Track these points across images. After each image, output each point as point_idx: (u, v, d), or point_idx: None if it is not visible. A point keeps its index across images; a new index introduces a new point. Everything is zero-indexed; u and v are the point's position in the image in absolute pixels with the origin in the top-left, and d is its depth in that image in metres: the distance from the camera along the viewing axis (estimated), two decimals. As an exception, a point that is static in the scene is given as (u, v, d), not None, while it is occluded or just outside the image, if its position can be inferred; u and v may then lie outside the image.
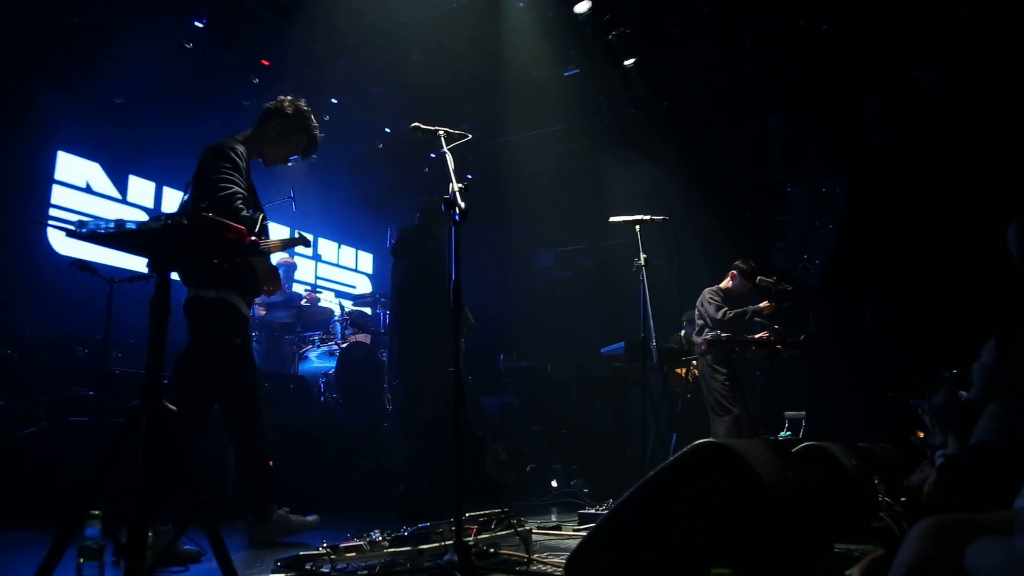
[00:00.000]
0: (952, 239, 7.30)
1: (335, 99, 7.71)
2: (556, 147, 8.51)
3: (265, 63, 7.30)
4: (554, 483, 7.90)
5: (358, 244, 10.40)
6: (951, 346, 6.62)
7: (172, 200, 7.93)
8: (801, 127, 7.98)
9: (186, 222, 1.95)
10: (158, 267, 2.13)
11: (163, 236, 1.97)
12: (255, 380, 4.10)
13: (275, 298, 6.78)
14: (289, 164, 4.37)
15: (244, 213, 3.67)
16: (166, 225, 1.94)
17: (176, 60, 6.87)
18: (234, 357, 3.90)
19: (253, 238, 2.22)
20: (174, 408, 2.06)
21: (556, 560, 3.49)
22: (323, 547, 3.07)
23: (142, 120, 7.15)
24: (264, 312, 7.16)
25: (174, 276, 2.29)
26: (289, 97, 4.21)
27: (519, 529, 3.70)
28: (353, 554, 3.17)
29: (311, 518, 4.23)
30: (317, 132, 4.24)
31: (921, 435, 4.97)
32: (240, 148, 3.95)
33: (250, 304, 4.12)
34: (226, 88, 7.33)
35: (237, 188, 3.77)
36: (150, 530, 2.37)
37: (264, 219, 3.80)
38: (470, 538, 3.42)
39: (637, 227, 5.36)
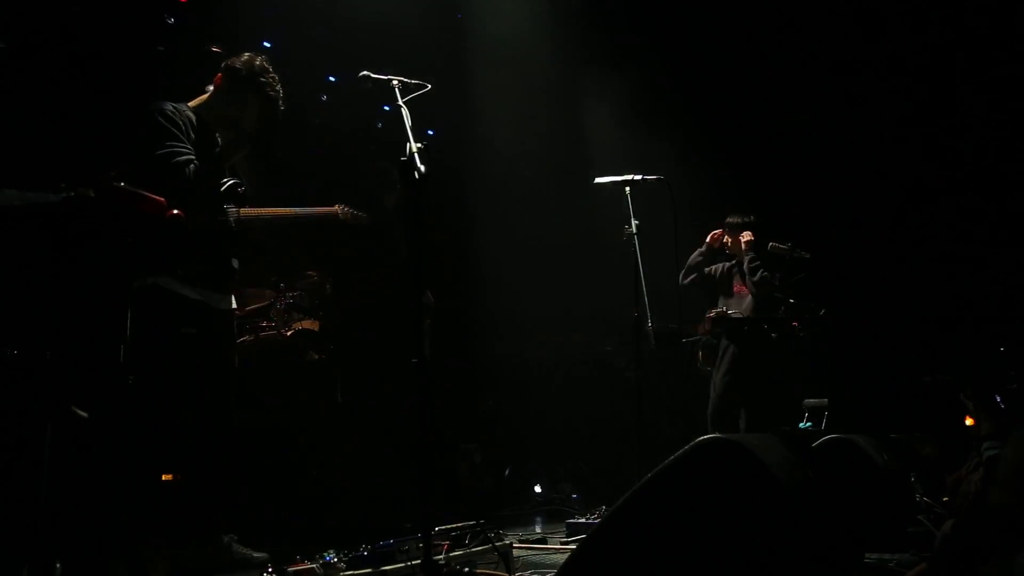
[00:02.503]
0: (1004, 189, 7.36)
1: (268, 43, 7.62)
2: (530, 95, 8.50)
3: (182, 0, 7.19)
4: (537, 488, 7.94)
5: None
6: (999, 320, 6.69)
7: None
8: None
9: (92, 194, 1.92)
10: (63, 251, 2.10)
11: (63, 214, 1.94)
12: (222, 378, 4.14)
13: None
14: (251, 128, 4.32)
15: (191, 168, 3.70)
16: (68, 199, 1.91)
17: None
18: (177, 351, 3.94)
19: (175, 212, 2.20)
20: (84, 415, 2.05)
21: (541, 580, 3.53)
22: (267, 572, 3.08)
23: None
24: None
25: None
26: (247, 54, 4.26)
27: (497, 544, 3.73)
28: (303, 580, 3.18)
29: (258, 555, 4.24)
30: (274, 94, 4.23)
31: (971, 423, 5.04)
32: (172, 107, 3.98)
33: (205, 285, 4.10)
34: (136, 30, 7.20)
35: (177, 147, 3.81)
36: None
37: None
38: (440, 556, 3.44)
39: (627, 188, 5.37)
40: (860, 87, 8.05)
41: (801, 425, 6.21)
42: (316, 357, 6.86)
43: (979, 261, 7.45)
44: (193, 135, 4.03)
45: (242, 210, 4.27)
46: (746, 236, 6.54)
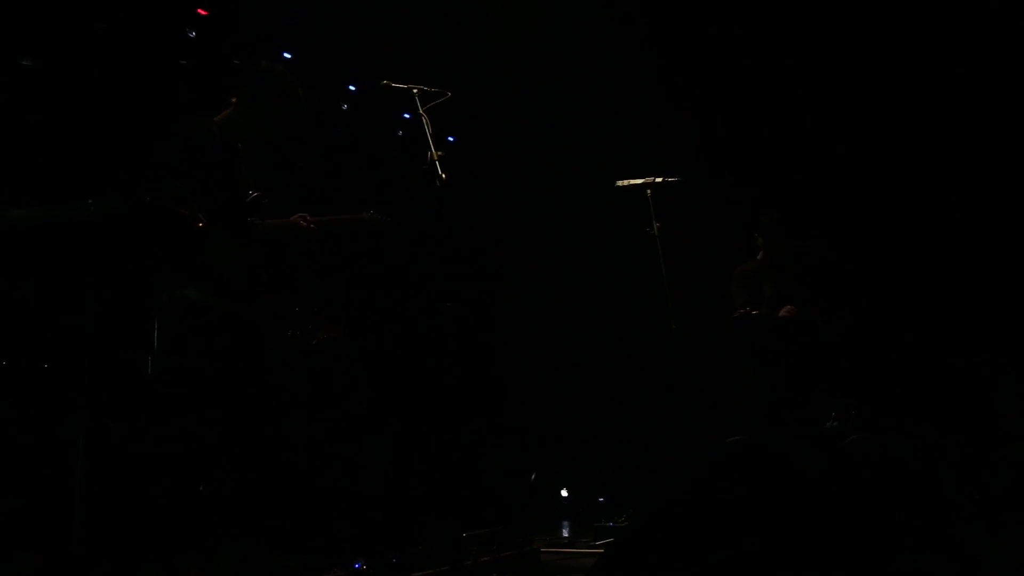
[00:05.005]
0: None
1: (288, 53, 7.67)
2: (548, 97, 8.52)
3: (203, 13, 7.24)
4: (564, 492, 7.94)
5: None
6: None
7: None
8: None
9: (119, 208, 1.94)
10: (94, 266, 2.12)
11: (90, 228, 1.95)
12: (251, 387, 4.14)
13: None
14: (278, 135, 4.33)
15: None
16: (95, 214, 1.93)
17: (98, 13, 6.78)
18: (208, 361, 3.94)
19: (200, 223, 2.22)
20: (115, 426, 2.07)
21: (570, 584, 3.53)
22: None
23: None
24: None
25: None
26: (264, 63, 4.20)
27: (525, 548, 3.74)
28: (333, 587, 3.20)
29: (288, 563, 4.26)
30: (299, 100, 4.11)
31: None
32: (196, 123, 3.95)
33: (234, 296, 4.11)
34: (159, 44, 7.25)
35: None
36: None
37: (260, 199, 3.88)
38: (469, 561, 3.45)
39: (648, 190, 5.39)
40: (882, 81, 8.01)
41: (828, 424, 6.16)
42: (341, 363, 6.89)
43: (1011, 252, 7.38)
44: (215, 150, 4.00)
45: (267, 222, 4.28)
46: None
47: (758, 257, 6.64)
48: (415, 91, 3.64)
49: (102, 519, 3.37)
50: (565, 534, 5.99)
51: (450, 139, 7.72)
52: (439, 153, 3.39)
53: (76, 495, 1.99)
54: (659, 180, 5.43)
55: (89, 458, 2.05)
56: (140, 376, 3.81)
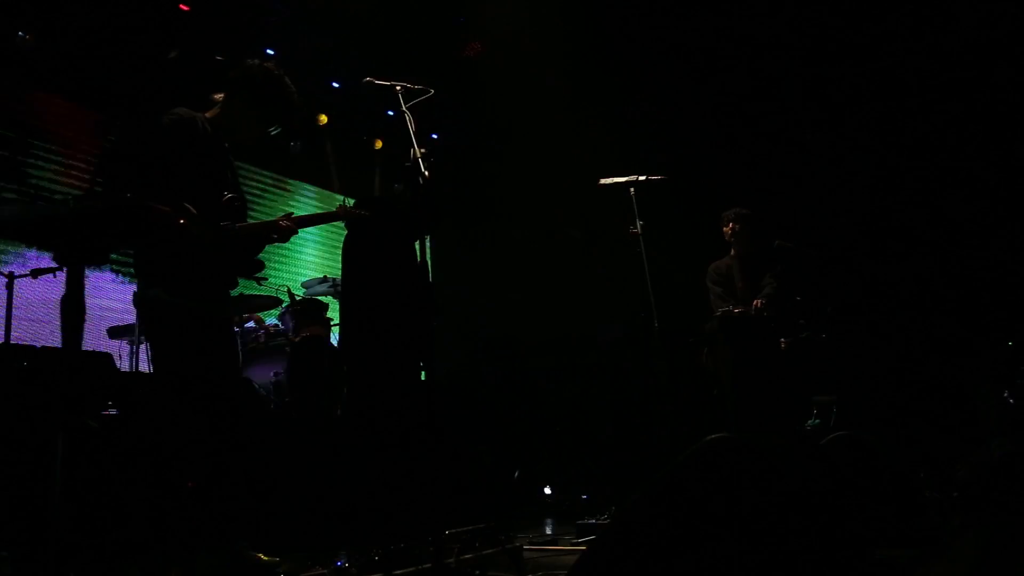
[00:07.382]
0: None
1: (271, 50, 7.65)
2: (534, 97, 8.52)
3: (184, 8, 7.21)
4: (547, 490, 7.95)
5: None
6: (1008, 315, 6.67)
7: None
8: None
9: (100, 206, 1.93)
10: (68, 260, 2.11)
11: (73, 225, 1.95)
12: (227, 384, 4.10)
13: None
14: (272, 133, 4.25)
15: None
16: (75, 211, 1.93)
17: (79, 6, 6.74)
18: (181, 359, 3.89)
19: (182, 221, 2.22)
20: (95, 425, 2.06)
21: (552, 581, 3.54)
22: (279, 578, 3.10)
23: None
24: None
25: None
26: (256, 61, 4.13)
27: (508, 546, 3.74)
28: (315, 585, 3.20)
29: (270, 561, 4.24)
30: (295, 97, 4.06)
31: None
32: (181, 113, 3.86)
33: (205, 295, 4.06)
34: (140, 38, 7.22)
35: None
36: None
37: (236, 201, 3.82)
38: (451, 559, 3.45)
39: (632, 189, 5.39)
40: (866, 81, 8.06)
41: (809, 422, 6.19)
42: (322, 361, 6.88)
43: (990, 254, 7.44)
44: (201, 145, 3.92)
45: (239, 224, 4.21)
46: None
47: (731, 253, 6.67)
48: (398, 88, 3.62)
49: (81, 517, 3.35)
50: (548, 531, 6.00)
51: (433, 136, 7.73)
52: (422, 151, 3.39)
53: (54, 493, 1.98)
54: (643, 179, 5.43)
55: (68, 457, 2.04)
56: (118, 375, 3.80)
